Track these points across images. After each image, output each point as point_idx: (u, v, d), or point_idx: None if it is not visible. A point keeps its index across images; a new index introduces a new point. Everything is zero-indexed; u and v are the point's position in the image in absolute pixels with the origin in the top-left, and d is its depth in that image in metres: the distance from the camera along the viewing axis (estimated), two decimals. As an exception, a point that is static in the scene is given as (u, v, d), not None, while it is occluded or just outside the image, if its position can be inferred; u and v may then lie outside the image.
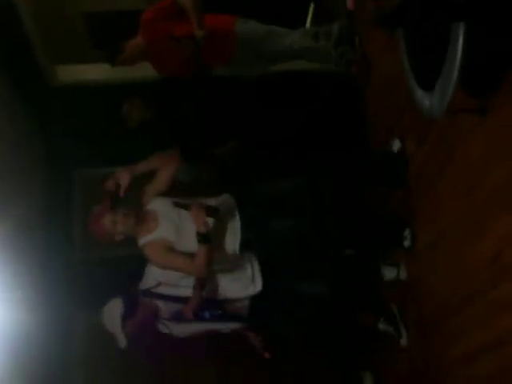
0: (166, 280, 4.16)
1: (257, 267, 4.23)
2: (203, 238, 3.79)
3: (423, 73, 2.83)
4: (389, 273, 4.45)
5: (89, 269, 5.73)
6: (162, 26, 4.56)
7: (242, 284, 4.19)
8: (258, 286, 4.19)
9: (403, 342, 4.36)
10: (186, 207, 3.91)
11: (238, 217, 4.09)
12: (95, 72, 5.97)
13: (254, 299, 4.19)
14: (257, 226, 4.09)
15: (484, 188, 2.93)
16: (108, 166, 5.39)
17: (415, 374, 4.20)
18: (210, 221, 3.88)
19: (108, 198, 3.95)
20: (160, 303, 4.18)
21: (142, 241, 3.97)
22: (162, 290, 4.18)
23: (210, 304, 4.16)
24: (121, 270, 5.30)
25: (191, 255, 3.87)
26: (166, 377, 5.56)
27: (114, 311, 4.09)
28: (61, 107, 5.77)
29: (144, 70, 5.10)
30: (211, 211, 3.88)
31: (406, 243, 4.03)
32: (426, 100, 2.80)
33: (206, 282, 4.07)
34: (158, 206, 4.04)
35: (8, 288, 4.29)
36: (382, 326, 4.52)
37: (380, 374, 5.13)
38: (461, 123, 3.07)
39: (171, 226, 3.96)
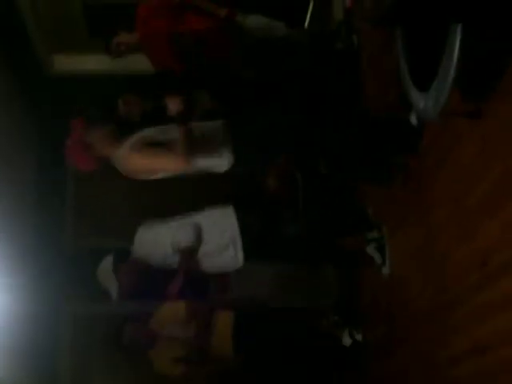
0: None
1: (239, 245, 4.36)
2: (180, 117, 3.75)
3: (419, 73, 2.82)
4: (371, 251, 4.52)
5: (78, 258, 5.72)
6: (159, 22, 4.57)
7: (224, 263, 4.42)
8: (239, 262, 4.41)
9: (385, 270, 4.39)
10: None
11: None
12: (92, 62, 5.97)
13: None
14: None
15: (476, 192, 2.93)
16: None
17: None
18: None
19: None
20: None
21: (121, 152, 3.85)
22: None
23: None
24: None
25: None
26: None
27: (106, 264, 4.39)
28: (56, 96, 5.76)
29: (140, 63, 5.11)
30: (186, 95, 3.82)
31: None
32: (420, 101, 2.80)
33: (190, 264, 4.30)
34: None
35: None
36: (369, 250, 4.51)
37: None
38: (455, 125, 3.07)
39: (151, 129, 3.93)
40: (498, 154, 2.69)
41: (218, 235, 4.40)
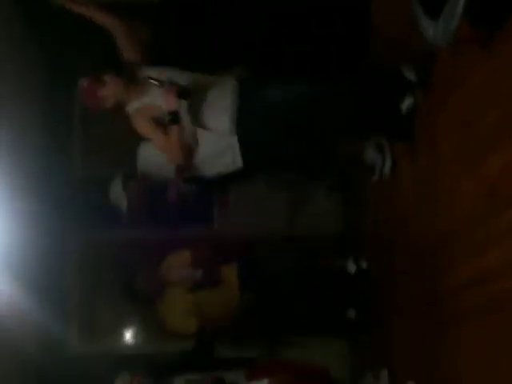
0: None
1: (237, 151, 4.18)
2: (172, 118, 3.76)
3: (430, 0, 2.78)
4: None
5: (87, 188, 5.74)
6: None
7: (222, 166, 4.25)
8: (238, 165, 4.20)
9: (386, 169, 4.40)
10: (159, 84, 3.84)
11: (232, 95, 3.93)
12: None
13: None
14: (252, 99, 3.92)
15: (482, 123, 2.91)
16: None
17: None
18: (183, 104, 3.80)
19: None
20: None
21: (132, 106, 3.95)
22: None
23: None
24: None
25: None
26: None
27: (116, 184, 4.55)
28: (60, 21, 5.66)
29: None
30: (182, 92, 3.77)
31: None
32: (430, 28, 2.76)
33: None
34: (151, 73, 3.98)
35: (5, 200, 4.33)
36: (369, 152, 4.54)
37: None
38: (464, 56, 3.03)
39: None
40: (504, 91, 2.67)
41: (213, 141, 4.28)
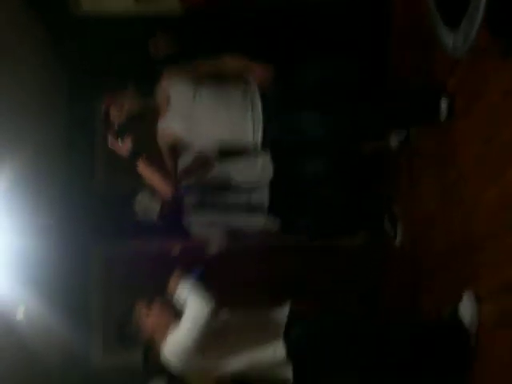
0: None
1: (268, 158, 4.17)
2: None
3: (448, 11, 2.78)
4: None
5: (108, 200, 5.76)
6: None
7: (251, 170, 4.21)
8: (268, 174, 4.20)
9: (397, 241, 4.55)
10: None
11: (260, 107, 3.85)
12: (120, 3, 5.91)
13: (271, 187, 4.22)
14: (279, 117, 3.88)
15: (503, 134, 2.90)
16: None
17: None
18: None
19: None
20: None
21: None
22: None
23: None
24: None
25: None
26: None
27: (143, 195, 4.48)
28: (84, 37, 5.73)
29: (168, 4, 5.10)
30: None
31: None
32: (450, 39, 2.76)
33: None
34: (175, 90, 3.95)
35: (28, 215, 4.36)
36: (386, 224, 4.63)
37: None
38: (484, 66, 3.01)
39: (180, 115, 3.90)
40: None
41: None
